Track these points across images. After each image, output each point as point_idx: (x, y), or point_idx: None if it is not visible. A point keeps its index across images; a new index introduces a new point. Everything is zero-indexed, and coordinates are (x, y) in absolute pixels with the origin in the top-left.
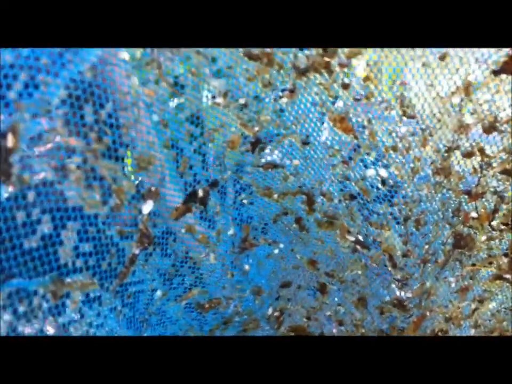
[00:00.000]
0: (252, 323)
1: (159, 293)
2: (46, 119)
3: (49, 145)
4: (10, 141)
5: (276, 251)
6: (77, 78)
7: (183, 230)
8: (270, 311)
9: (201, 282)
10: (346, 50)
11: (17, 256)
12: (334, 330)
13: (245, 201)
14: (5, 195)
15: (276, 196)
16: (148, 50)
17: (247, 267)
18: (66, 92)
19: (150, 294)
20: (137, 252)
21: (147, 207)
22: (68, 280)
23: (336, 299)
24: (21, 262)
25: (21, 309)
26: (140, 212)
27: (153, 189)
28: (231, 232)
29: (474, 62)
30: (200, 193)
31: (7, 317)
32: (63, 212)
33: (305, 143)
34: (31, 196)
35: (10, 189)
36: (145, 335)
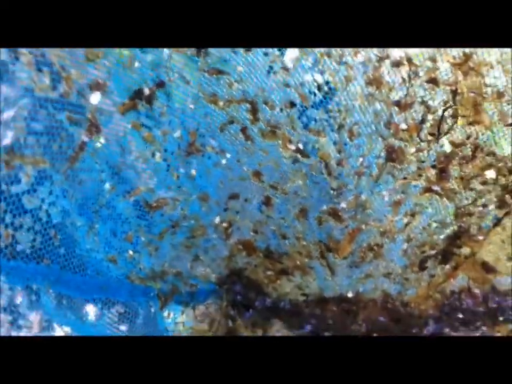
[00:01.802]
0: (199, 230)
1: (108, 185)
2: None
3: None
4: None
5: (224, 161)
6: None
7: (129, 126)
8: (217, 220)
9: (148, 180)
10: None
11: None
12: (279, 245)
13: (191, 106)
14: None
15: (221, 103)
16: None
17: (193, 172)
18: None
19: (100, 185)
20: (86, 139)
21: (95, 97)
22: (20, 154)
23: (279, 212)
24: None
25: None
26: (89, 101)
27: (100, 81)
28: (177, 134)
29: None
30: (147, 91)
31: None
32: (15, 91)
33: (248, 50)
34: None
35: None
36: (96, 226)
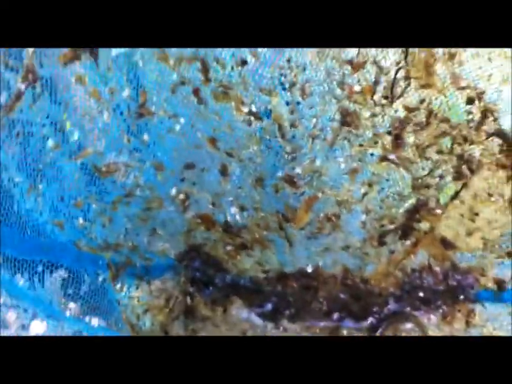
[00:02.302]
0: (155, 201)
1: (50, 142)
2: None
3: None
4: None
5: (177, 127)
6: None
7: (73, 79)
8: (174, 191)
9: (97, 141)
10: None
11: None
12: (238, 217)
13: (140, 62)
14: None
15: (171, 61)
16: None
17: (146, 137)
18: None
19: (41, 141)
20: (22, 87)
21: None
22: None
23: (236, 181)
24: None
25: None
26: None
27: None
28: (126, 93)
29: None
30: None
31: None
32: None
33: None
34: None
35: None
36: (40, 186)
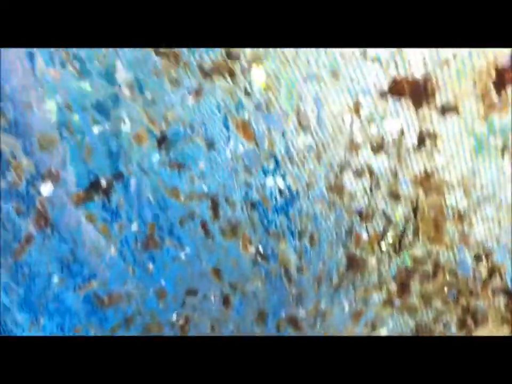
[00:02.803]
0: (155, 327)
1: (56, 279)
2: None
3: None
4: None
5: (182, 255)
6: None
7: (83, 218)
8: (174, 317)
9: (101, 275)
10: (248, 53)
11: None
12: None
13: (151, 198)
14: None
15: (182, 197)
16: None
17: (151, 266)
18: None
19: (47, 278)
20: (33, 231)
21: (46, 188)
22: None
23: (238, 312)
24: None
25: None
26: (39, 192)
27: (53, 170)
28: (134, 227)
29: (364, 81)
30: (103, 182)
31: None
32: None
33: (210, 146)
34: None
35: None
36: (41, 322)
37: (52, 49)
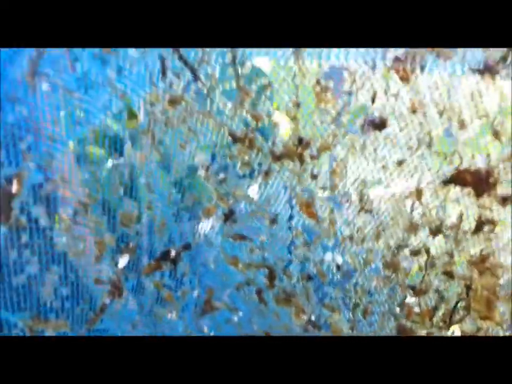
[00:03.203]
0: None
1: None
2: (47, 171)
3: (45, 194)
4: (14, 187)
5: (235, 318)
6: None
7: (151, 286)
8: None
9: (162, 337)
10: (318, 144)
11: (5, 290)
12: None
13: (212, 266)
14: (3, 232)
15: (241, 265)
16: (144, 123)
17: (205, 329)
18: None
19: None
20: (107, 301)
21: (123, 261)
22: (45, 318)
23: None
24: (7, 297)
25: None
26: (116, 264)
27: (131, 244)
28: (195, 293)
29: (428, 170)
30: (173, 253)
31: None
32: (50, 255)
33: (273, 221)
34: (24, 237)
35: (5, 229)
36: None
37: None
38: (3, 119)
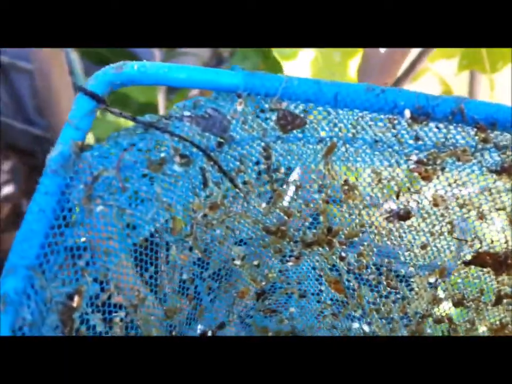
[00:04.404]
0: None
1: None
2: (103, 283)
3: (101, 303)
4: (76, 302)
5: None
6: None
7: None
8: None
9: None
10: (346, 232)
11: None
12: None
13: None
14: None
15: (270, 333)
16: (188, 225)
17: None
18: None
19: None
20: None
21: None
22: None
23: None
24: None
25: None
26: None
27: (173, 333)
28: None
29: (450, 253)
30: (210, 334)
31: None
32: None
33: (302, 296)
34: None
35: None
36: None
37: None
38: (64, 243)
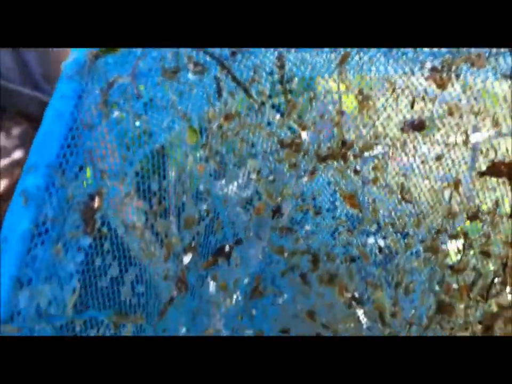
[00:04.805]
0: None
1: (184, 329)
2: (123, 186)
3: (122, 207)
4: (96, 202)
5: (280, 300)
6: (149, 155)
7: (209, 278)
8: None
9: (218, 323)
10: (360, 144)
11: (92, 292)
12: None
13: (260, 256)
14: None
15: (286, 254)
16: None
17: (254, 312)
18: (139, 165)
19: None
20: (175, 294)
21: (187, 258)
22: (125, 314)
23: None
24: (94, 297)
25: (92, 334)
26: (181, 261)
27: (193, 244)
28: (245, 281)
29: (464, 164)
30: (227, 248)
31: None
32: (127, 259)
33: (317, 213)
34: (106, 245)
35: (91, 239)
36: None
37: None
38: (83, 145)
